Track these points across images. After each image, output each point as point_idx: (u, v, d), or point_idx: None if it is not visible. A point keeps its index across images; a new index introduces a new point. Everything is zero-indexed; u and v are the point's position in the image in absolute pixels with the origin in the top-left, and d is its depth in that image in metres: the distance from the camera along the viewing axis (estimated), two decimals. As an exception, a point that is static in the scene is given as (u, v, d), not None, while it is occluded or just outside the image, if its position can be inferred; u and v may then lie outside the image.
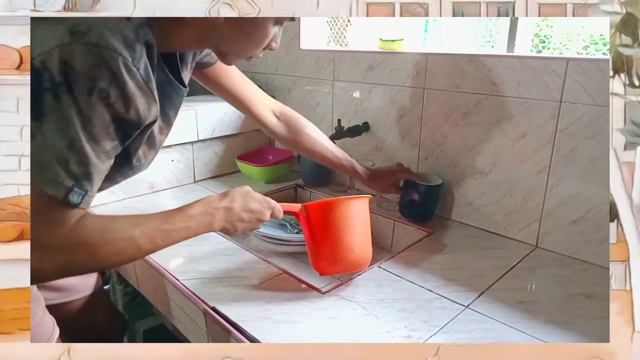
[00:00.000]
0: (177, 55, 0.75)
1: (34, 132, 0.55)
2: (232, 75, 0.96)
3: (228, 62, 0.73)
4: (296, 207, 0.82)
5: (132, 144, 0.67)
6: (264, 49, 0.71)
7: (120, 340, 1.18)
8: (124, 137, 0.62)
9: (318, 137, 1.08)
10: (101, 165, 0.60)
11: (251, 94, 1.00)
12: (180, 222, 0.68)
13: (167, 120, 0.76)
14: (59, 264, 0.59)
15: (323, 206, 0.80)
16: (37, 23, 0.57)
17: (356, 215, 0.81)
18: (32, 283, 0.61)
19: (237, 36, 0.67)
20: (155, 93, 0.63)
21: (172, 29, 0.66)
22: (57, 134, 0.55)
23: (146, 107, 0.62)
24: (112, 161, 0.63)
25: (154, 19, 0.63)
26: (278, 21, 0.68)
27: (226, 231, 0.74)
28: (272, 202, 0.78)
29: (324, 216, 0.80)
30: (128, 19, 0.59)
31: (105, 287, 1.31)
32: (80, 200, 0.58)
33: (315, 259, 0.84)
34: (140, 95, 0.59)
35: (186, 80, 0.79)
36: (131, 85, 0.57)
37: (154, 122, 0.67)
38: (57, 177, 0.55)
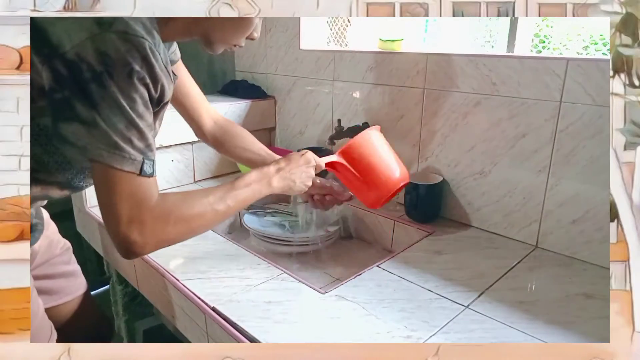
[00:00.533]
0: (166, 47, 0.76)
1: (93, 119, 0.59)
2: (184, 75, 0.97)
3: (214, 51, 0.77)
4: (332, 157, 0.91)
5: (155, 120, 0.72)
6: (247, 38, 0.76)
7: (108, 342, 1.18)
8: (154, 113, 0.69)
9: (250, 145, 1.06)
10: (152, 137, 0.66)
11: (196, 99, 1.00)
12: (242, 187, 0.76)
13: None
14: (158, 237, 0.64)
15: (352, 145, 0.90)
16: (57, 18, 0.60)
17: (380, 142, 0.93)
18: (133, 257, 0.64)
19: (226, 25, 0.71)
20: (172, 74, 0.69)
21: (162, 20, 0.68)
22: (114, 117, 0.60)
23: (168, 87, 0.68)
24: (154, 133, 0.68)
25: None
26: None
27: (286, 189, 0.84)
28: (315, 159, 0.88)
29: (359, 153, 0.90)
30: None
31: (105, 287, 1.31)
32: (152, 170, 0.65)
33: (366, 195, 0.93)
34: (163, 75, 0.65)
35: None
36: (157, 66, 0.62)
37: (168, 101, 0.73)
38: (129, 154, 0.61)
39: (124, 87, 0.59)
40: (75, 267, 1.06)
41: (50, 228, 0.99)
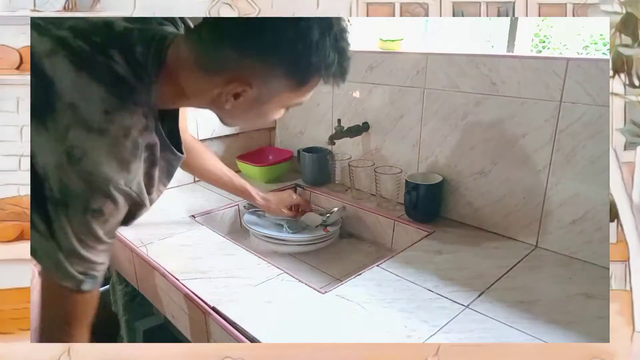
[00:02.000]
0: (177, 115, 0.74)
1: (45, 231, 0.60)
2: None
3: (228, 126, 0.74)
4: None
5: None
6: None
7: (114, 339, 1.19)
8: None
9: (211, 161, 1.10)
10: (103, 257, 0.66)
11: (180, 121, 0.99)
12: None
13: (168, 176, 0.75)
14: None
15: None
16: (37, 125, 0.58)
17: None
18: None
19: (240, 118, 0.70)
20: (147, 199, 0.66)
21: (174, 100, 0.66)
22: (61, 241, 0.60)
23: (137, 207, 0.66)
24: (114, 241, 0.68)
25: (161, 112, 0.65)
26: (286, 106, 0.67)
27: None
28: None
29: None
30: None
31: (105, 287, 1.31)
32: (93, 285, 0.66)
33: None
34: (132, 204, 0.64)
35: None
36: (122, 201, 0.61)
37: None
38: (69, 273, 0.62)
39: (74, 222, 0.59)
40: None
41: None
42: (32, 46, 0.58)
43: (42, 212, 0.59)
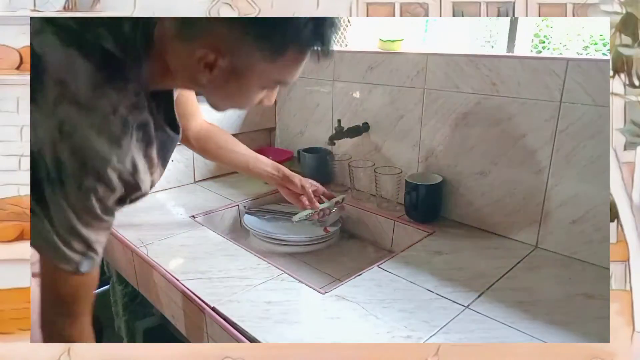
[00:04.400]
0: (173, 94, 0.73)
1: (40, 214, 0.59)
2: None
3: (218, 111, 0.72)
4: None
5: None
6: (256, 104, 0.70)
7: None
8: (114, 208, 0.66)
9: (234, 146, 1.06)
10: (101, 235, 0.65)
11: (187, 106, 0.98)
12: None
13: (164, 160, 0.74)
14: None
15: None
16: (32, 104, 0.58)
17: None
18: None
19: (222, 95, 0.66)
20: (143, 181, 0.65)
21: (162, 78, 0.65)
22: (57, 220, 0.59)
23: (132, 188, 0.64)
24: (112, 220, 0.66)
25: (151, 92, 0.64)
26: (265, 86, 0.65)
27: None
28: None
29: None
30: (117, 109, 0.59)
31: (105, 287, 1.31)
32: (91, 267, 0.65)
33: None
34: (126, 182, 0.62)
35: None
36: (116, 179, 0.60)
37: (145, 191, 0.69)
38: (66, 255, 0.61)
39: (70, 197, 0.58)
40: None
41: None
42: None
43: (39, 194, 0.59)
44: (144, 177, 0.65)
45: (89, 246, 0.63)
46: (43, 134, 0.57)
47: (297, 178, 1.09)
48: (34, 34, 0.58)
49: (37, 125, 0.57)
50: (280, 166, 1.10)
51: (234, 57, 0.57)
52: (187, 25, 0.58)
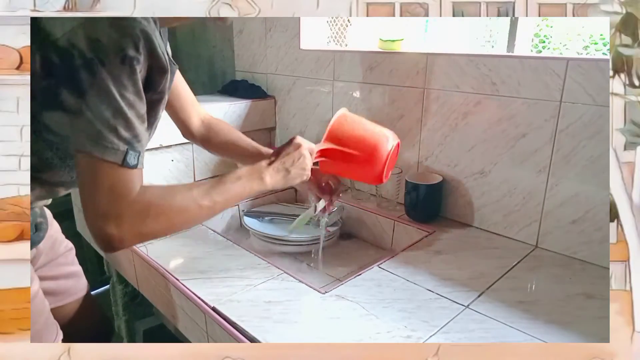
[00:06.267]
0: (167, 32, 0.76)
1: (79, 107, 0.58)
2: (176, 77, 0.94)
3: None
4: (320, 145, 0.89)
5: (152, 111, 0.70)
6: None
7: (108, 342, 1.18)
8: (152, 103, 0.67)
9: (238, 139, 1.03)
10: (142, 128, 0.64)
11: (187, 100, 0.99)
12: (231, 182, 0.73)
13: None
14: (136, 230, 0.62)
15: (334, 128, 0.90)
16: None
17: (356, 117, 0.92)
18: (111, 251, 0.63)
19: None
20: (168, 61, 0.66)
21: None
22: (101, 105, 0.58)
23: (164, 75, 0.66)
24: (146, 124, 0.66)
25: None
26: None
27: (283, 182, 0.79)
28: (305, 141, 0.84)
29: (342, 131, 0.89)
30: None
31: (105, 287, 1.31)
32: (137, 161, 0.62)
33: (366, 170, 0.88)
34: (160, 61, 0.63)
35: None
36: (153, 52, 0.61)
37: (165, 90, 0.70)
38: (112, 144, 0.59)
39: (115, 74, 0.58)
40: (78, 267, 1.06)
41: (54, 227, 0.99)
42: None
43: (71, 89, 0.58)
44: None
45: (134, 135, 0.61)
46: (70, 22, 0.57)
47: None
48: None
49: (64, 19, 0.57)
50: None
51: None
52: None
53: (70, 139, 0.61)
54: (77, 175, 0.62)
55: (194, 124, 1.02)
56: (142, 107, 0.63)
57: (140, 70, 0.61)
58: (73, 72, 0.57)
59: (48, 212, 0.94)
